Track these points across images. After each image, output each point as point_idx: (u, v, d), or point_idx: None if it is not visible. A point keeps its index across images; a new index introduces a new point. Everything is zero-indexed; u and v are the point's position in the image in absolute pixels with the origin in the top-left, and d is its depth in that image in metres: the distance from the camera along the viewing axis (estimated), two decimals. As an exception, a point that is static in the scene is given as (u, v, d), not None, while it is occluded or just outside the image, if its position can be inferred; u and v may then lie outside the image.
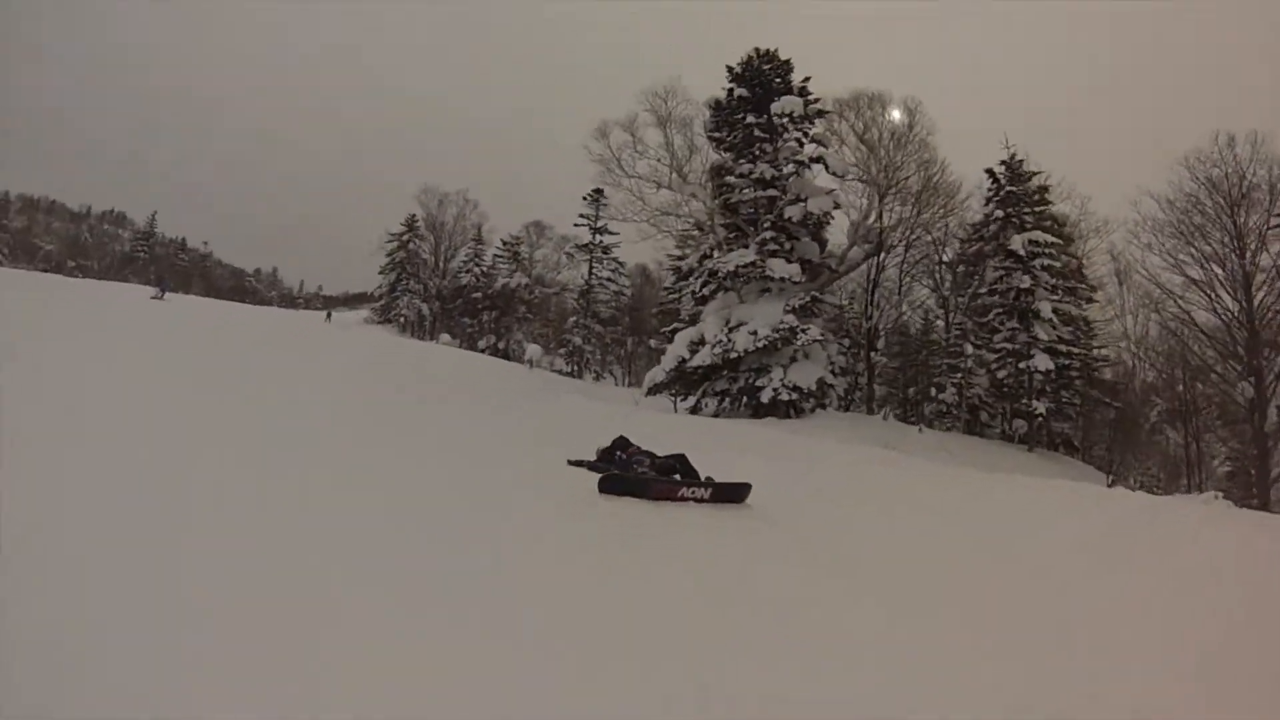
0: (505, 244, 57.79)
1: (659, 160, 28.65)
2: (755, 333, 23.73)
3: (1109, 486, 18.77)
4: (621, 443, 9.84)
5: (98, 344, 13.62)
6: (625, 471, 8.92)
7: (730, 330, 24.56)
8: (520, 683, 3.66)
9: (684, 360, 25.20)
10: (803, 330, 23.65)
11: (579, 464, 9.75)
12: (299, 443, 8.73)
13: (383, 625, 4.05)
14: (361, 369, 18.86)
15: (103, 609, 3.62)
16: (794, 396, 23.50)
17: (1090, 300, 30.09)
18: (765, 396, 23.49)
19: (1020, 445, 26.03)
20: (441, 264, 59.83)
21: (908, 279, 33.38)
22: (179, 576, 4.14)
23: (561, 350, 53.74)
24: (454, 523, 6.42)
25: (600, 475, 8.50)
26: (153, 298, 34.58)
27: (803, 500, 9.54)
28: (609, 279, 53.87)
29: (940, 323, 32.98)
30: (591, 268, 53.26)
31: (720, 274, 25.58)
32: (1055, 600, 6.21)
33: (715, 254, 26.89)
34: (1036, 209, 27.32)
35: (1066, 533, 8.79)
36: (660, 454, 9.50)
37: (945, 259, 31.99)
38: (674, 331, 28.15)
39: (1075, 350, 26.94)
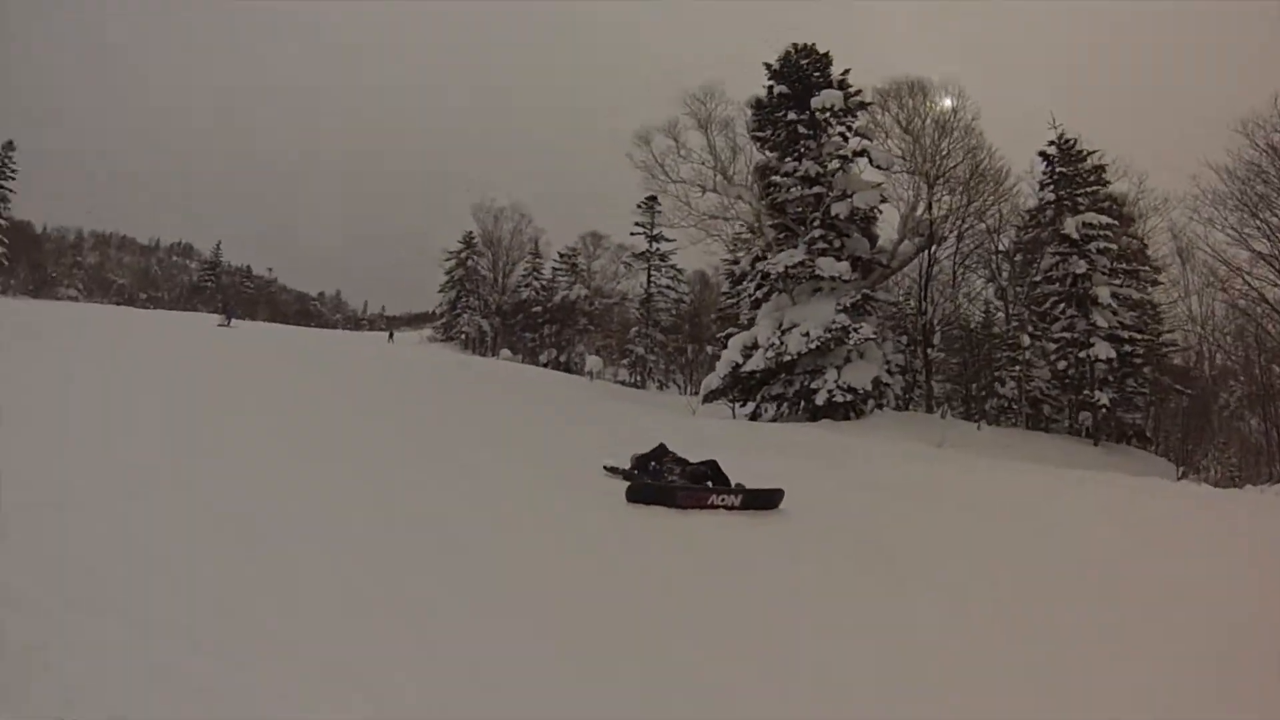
0: (562, 256, 58.14)
1: (703, 163, 28.52)
2: (808, 334, 23.32)
3: (1178, 479, 17.86)
4: (660, 451, 9.75)
5: (176, 371, 14.10)
6: (656, 479, 8.91)
7: (783, 332, 24.20)
8: (525, 687, 3.71)
9: (738, 365, 24.93)
10: (855, 329, 23.15)
11: (614, 471, 9.75)
12: (367, 449, 9.27)
13: (392, 622, 4.19)
14: (420, 382, 19.26)
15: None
16: (849, 398, 23.03)
17: (1155, 282, 28.74)
18: (820, 399, 23.07)
19: (1086, 439, 24.95)
20: (500, 279, 60.41)
21: (962, 270, 32.13)
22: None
23: (624, 360, 53.84)
24: (474, 533, 6.55)
25: (629, 484, 8.49)
26: (219, 325, 35.04)
27: (837, 505, 9.34)
28: (668, 286, 53.85)
29: (1002, 315, 31.88)
30: (650, 276, 53.31)
31: (771, 275, 25.30)
32: (1069, 598, 6.01)
33: (767, 255, 26.61)
34: (1092, 189, 26.08)
35: (1097, 529, 8.52)
36: (693, 460, 9.42)
37: (1002, 248, 30.84)
38: (729, 337, 27.93)
39: (1139, 336, 25.60)
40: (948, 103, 28.76)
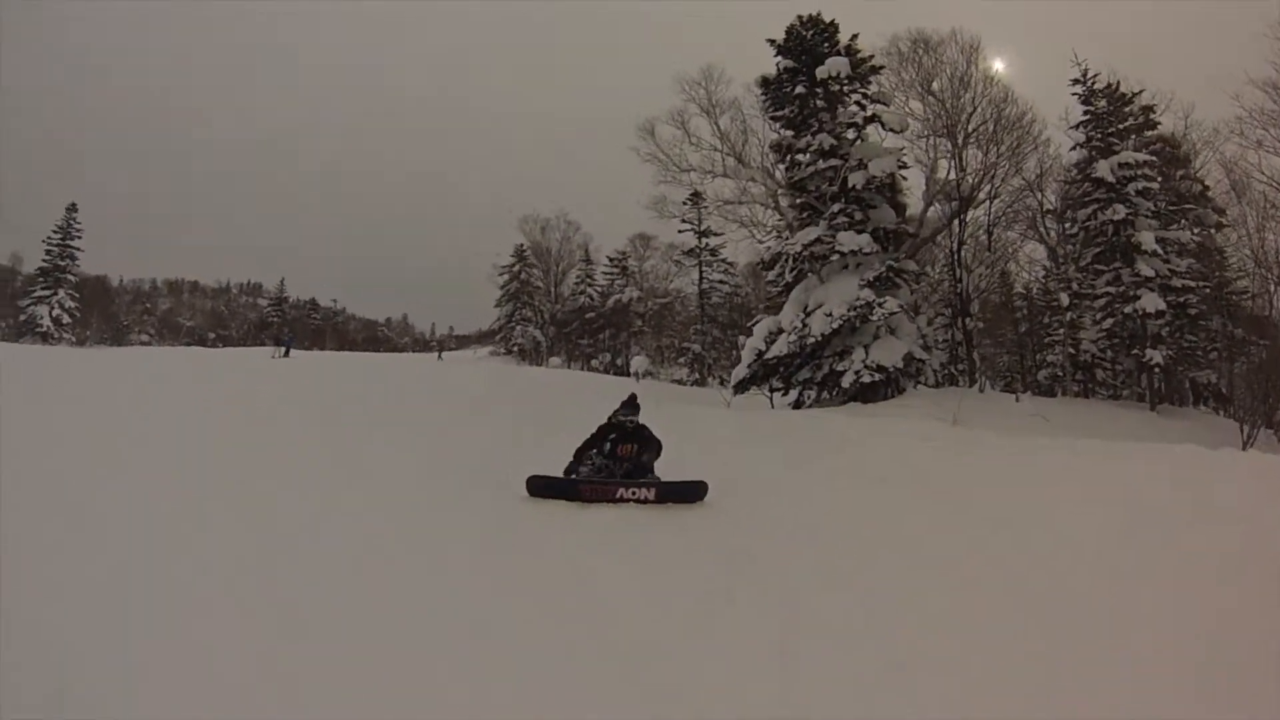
0: (612, 260, 57.85)
1: (713, 149, 27.59)
2: (830, 314, 22.10)
3: (1244, 448, 15.88)
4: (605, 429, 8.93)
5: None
6: (579, 465, 8.47)
7: (807, 314, 23.04)
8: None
9: (761, 352, 23.81)
10: (879, 304, 21.71)
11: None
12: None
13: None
14: (428, 394, 18.84)
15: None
16: (878, 377, 21.70)
17: (1220, 225, 26.38)
18: (846, 381, 21.80)
19: (1143, 404, 22.74)
20: (553, 289, 60.43)
21: (999, 231, 29.84)
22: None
23: (680, 359, 53.15)
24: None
25: (529, 476, 7.88)
26: (273, 357, 34.87)
27: (771, 497, 8.40)
28: (720, 281, 52.94)
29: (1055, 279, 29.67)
30: (701, 272, 52.48)
31: (794, 256, 24.10)
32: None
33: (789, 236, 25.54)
34: (1131, 130, 24.04)
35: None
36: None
37: (1047, 206, 28.73)
38: (755, 324, 26.81)
39: (1193, 284, 23.07)
40: (952, 55, 26.95)
